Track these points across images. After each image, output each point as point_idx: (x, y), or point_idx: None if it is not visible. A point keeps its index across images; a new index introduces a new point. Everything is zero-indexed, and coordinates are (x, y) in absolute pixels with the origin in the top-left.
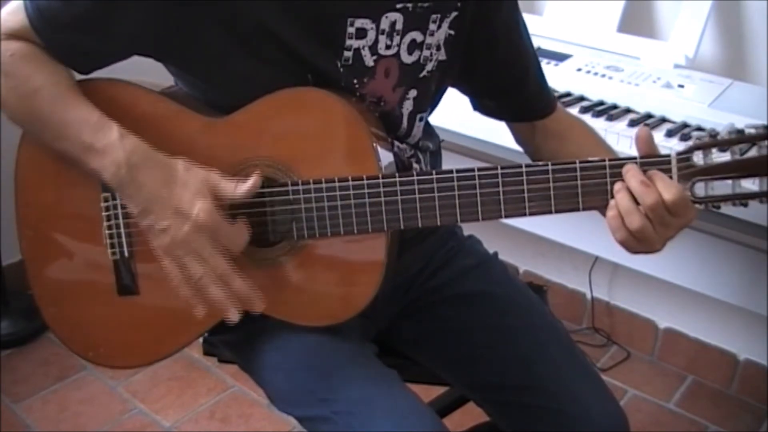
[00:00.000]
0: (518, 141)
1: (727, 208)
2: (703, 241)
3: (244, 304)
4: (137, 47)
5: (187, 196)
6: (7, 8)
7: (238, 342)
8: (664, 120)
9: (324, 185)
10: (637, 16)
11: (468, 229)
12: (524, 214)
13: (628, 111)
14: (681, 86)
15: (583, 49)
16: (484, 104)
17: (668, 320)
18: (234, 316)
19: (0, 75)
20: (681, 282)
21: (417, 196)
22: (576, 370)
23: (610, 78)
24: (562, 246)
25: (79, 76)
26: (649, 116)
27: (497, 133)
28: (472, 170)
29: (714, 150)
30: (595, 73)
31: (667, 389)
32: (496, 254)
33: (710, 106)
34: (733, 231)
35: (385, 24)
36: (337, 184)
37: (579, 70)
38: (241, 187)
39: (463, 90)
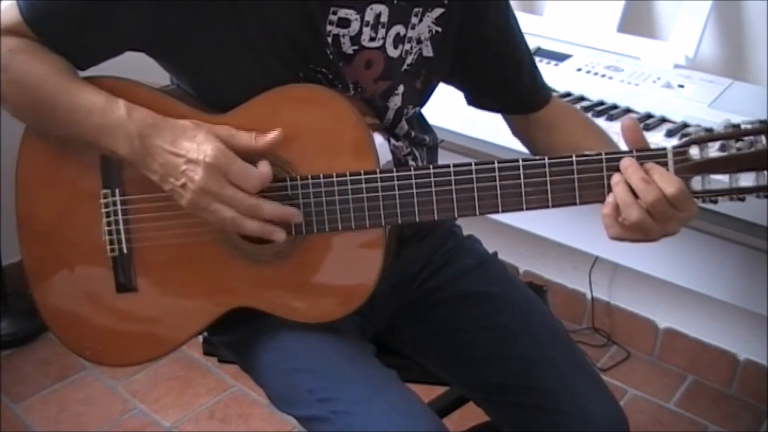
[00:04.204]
0: (513, 132)
1: (726, 207)
2: (703, 241)
3: (282, 224)
4: (133, 42)
5: (194, 146)
6: (3, 6)
7: (237, 343)
8: (664, 120)
9: (322, 181)
10: (637, 16)
11: (467, 228)
12: (521, 209)
13: (628, 111)
14: (681, 86)
15: (583, 49)
16: (478, 99)
17: (668, 320)
18: (280, 236)
19: None
20: (681, 282)
21: (414, 191)
22: (576, 371)
23: (610, 78)
24: (562, 246)
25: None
26: (649, 116)
27: (497, 133)
28: (469, 164)
29: (711, 144)
30: (595, 73)
31: (667, 389)
32: (495, 254)
33: (710, 106)
34: (732, 231)
35: (369, 15)
36: (335, 180)
37: (579, 70)
38: (261, 138)
39: (457, 86)
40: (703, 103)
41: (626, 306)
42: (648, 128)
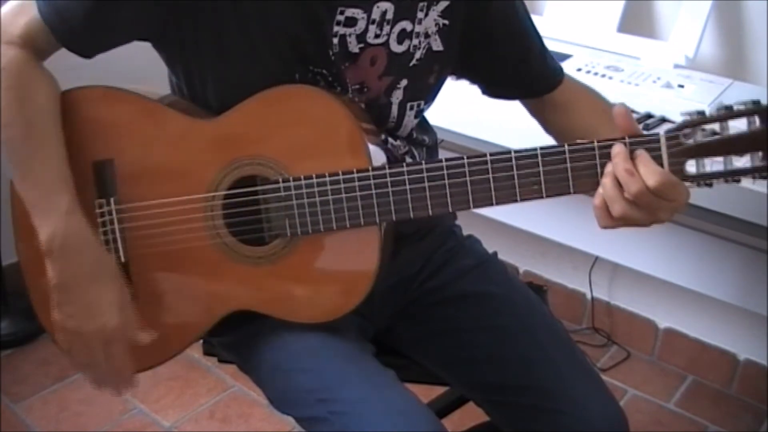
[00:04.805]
0: (530, 113)
1: (725, 207)
2: (703, 241)
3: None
4: (140, 34)
5: (104, 303)
6: (8, 8)
7: (236, 343)
8: (664, 120)
9: (315, 180)
10: (637, 16)
11: (467, 228)
12: (515, 200)
13: None
14: (681, 86)
15: (583, 49)
16: (490, 89)
17: (668, 320)
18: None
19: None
20: (681, 282)
21: (407, 187)
22: (576, 371)
23: (610, 78)
24: (562, 246)
25: (74, 81)
26: (649, 116)
27: (498, 133)
28: (461, 158)
29: (704, 128)
30: (595, 73)
31: (667, 389)
32: (495, 254)
33: (710, 106)
34: (732, 231)
35: (375, 14)
36: (327, 179)
37: (579, 70)
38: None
39: (468, 79)
40: (703, 103)
41: (626, 306)
42: (648, 128)
